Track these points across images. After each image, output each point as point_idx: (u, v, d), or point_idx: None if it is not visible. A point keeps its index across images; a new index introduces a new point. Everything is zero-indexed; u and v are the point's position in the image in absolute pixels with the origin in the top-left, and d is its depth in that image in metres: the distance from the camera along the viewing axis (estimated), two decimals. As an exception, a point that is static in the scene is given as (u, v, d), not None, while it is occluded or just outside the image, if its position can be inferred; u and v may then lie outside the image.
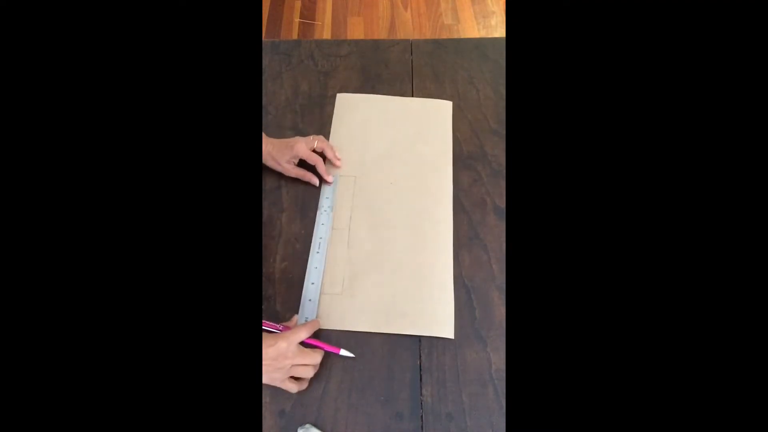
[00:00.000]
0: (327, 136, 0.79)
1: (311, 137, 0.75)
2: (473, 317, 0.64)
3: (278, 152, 0.73)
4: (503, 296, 0.65)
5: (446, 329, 0.62)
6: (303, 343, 0.57)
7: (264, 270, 0.67)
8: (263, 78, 0.86)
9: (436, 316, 0.63)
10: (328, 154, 0.75)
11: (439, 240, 0.69)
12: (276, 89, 0.85)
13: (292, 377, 0.56)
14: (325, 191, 0.74)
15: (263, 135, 0.75)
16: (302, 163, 0.74)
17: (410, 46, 0.91)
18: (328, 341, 0.61)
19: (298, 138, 0.75)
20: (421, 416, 0.57)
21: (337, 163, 0.76)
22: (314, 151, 0.74)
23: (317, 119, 0.81)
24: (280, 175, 0.75)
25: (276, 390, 0.58)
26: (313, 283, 0.65)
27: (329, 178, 0.74)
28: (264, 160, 0.74)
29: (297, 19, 1.94)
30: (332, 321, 0.63)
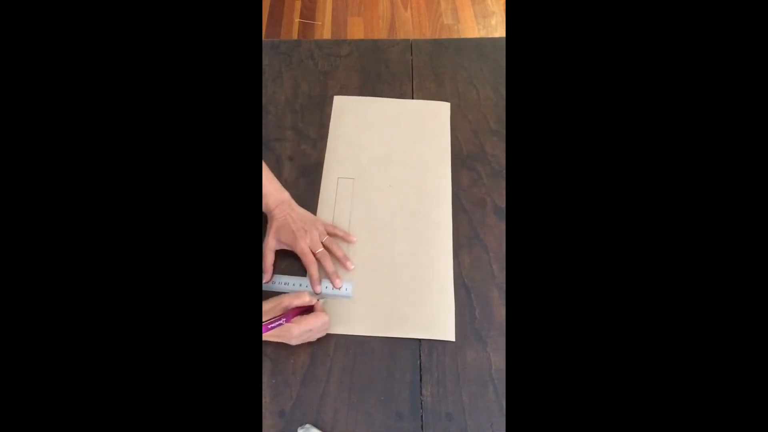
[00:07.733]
0: (325, 137, 0.79)
1: (322, 228, 0.67)
2: (473, 317, 0.64)
3: (280, 227, 0.65)
4: (503, 296, 0.65)
5: (447, 332, 0.62)
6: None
7: (264, 270, 0.66)
8: (263, 78, 0.86)
9: (436, 319, 0.63)
10: (338, 253, 0.67)
11: (439, 243, 0.69)
12: (276, 89, 0.85)
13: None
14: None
15: (282, 187, 0.68)
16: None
17: (410, 46, 0.91)
18: (328, 344, 0.61)
19: (311, 222, 0.67)
20: (421, 416, 0.57)
21: (348, 264, 0.66)
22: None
23: (317, 119, 0.81)
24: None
25: (276, 390, 0.58)
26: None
27: (318, 288, 0.64)
28: (267, 208, 0.67)
29: (297, 19, 1.94)
30: (332, 325, 0.62)
